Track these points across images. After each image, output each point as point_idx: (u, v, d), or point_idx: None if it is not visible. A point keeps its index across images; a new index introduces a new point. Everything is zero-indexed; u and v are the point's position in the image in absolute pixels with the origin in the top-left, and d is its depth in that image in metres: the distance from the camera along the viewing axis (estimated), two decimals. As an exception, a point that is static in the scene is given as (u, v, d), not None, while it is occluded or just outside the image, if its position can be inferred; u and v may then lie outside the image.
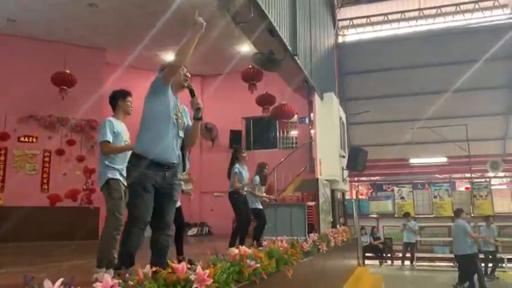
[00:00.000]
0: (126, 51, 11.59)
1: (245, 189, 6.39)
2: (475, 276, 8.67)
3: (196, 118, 3.24)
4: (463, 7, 14.20)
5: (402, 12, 14.68)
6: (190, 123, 3.33)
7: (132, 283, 1.82)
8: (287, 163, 12.89)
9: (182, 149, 5.03)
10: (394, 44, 14.42)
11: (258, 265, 2.93)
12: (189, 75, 3.33)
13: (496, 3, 13.94)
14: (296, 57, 7.82)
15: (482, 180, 14.98)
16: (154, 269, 2.04)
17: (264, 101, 12.54)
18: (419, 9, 14.56)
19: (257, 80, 11.82)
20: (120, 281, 1.76)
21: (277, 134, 15.39)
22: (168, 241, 3.09)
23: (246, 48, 11.84)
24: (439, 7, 14.33)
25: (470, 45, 13.76)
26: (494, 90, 14.60)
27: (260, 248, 3.59)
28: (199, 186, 13.53)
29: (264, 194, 7.15)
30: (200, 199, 14.26)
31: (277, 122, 14.27)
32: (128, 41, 11.38)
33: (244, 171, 6.41)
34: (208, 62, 13.02)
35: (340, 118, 11.01)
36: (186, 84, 3.28)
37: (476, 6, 14.08)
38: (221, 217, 12.71)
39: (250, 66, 11.48)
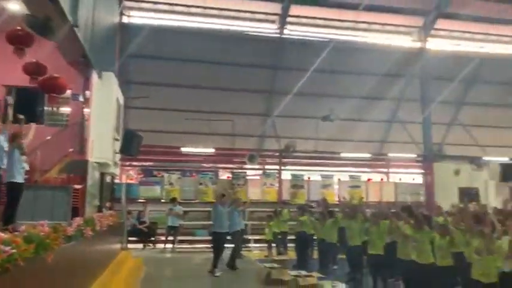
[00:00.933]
0: None
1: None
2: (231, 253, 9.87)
3: None
4: (240, 14, 15.70)
5: (187, 6, 15.21)
6: None
7: None
8: (54, 142, 11.78)
9: None
10: (181, 35, 14.92)
11: (14, 250, 2.69)
12: None
13: (268, 18, 15.98)
14: (76, 29, 7.27)
15: (241, 171, 17.01)
16: None
17: (33, 70, 11.01)
18: (203, 7, 15.36)
19: (26, 45, 10.32)
20: None
21: (45, 108, 13.86)
22: None
23: (16, 6, 10.25)
24: (221, 9, 15.48)
25: (243, 50, 15.43)
26: (257, 94, 16.74)
27: (17, 233, 3.27)
28: None
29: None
30: None
31: (46, 95, 12.82)
32: None
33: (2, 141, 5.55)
34: (-40, 12, 10.73)
35: (118, 100, 10.75)
36: None
37: (252, 16, 15.81)
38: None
39: (20, 28, 9.99)
